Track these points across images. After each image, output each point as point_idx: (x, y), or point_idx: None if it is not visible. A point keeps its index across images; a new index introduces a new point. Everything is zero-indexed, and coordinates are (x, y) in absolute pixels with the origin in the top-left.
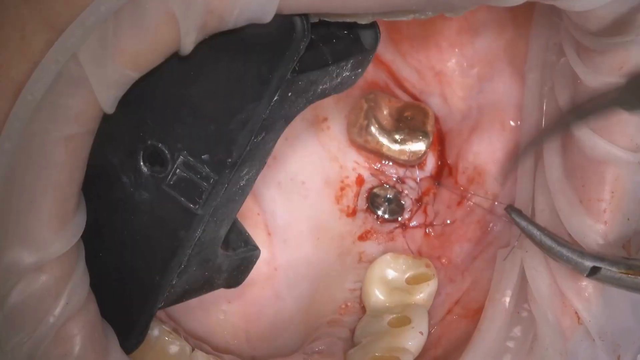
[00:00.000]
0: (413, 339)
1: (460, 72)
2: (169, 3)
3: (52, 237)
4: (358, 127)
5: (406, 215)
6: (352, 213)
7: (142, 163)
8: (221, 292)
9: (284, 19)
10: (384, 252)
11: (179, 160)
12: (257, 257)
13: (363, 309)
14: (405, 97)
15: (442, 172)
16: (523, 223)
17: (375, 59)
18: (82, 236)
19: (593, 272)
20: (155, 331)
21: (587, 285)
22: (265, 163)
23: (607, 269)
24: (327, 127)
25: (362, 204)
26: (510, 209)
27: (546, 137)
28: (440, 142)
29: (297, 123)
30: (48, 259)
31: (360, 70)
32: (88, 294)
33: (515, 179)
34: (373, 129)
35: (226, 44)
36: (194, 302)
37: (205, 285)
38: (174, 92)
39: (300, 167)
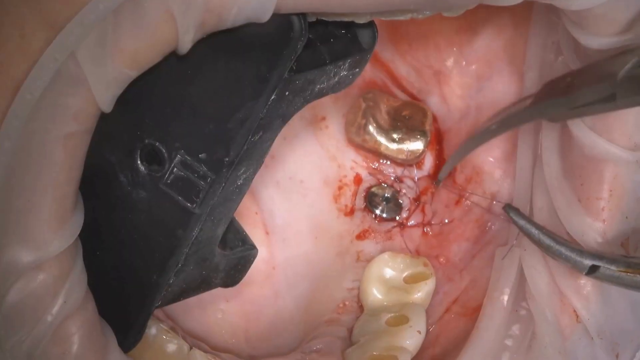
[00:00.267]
0: (411, 338)
1: (459, 71)
2: (168, 2)
3: (51, 235)
4: (356, 126)
5: (404, 215)
6: (350, 212)
7: (139, 162)
8: (219, 291)
9: (281, 18)
10: (382, 251)
11: (177, 159)
12: (254, 256)
13: (361, 308)
14: (403, 96)
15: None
16: (521, 222)
17: (373, 58)
18: (79, 235)
19: (592, 271)
20: (152, 330)
21: (586, 283)
22: (263, 162)
23: (606, 267)
24: (325, 127)
25: (360, 203)
26: (509, 207)
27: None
28: (438, 141)
29: (296, 122)
30: (46, 258)
31: (358, 69)
32: (86, 292)
33: (513, 178)
34: (371, 128)
35: (224, 43)
36: (192, 300)
37: (203, 284)
38: (171, 90)
39: (299, 166)
